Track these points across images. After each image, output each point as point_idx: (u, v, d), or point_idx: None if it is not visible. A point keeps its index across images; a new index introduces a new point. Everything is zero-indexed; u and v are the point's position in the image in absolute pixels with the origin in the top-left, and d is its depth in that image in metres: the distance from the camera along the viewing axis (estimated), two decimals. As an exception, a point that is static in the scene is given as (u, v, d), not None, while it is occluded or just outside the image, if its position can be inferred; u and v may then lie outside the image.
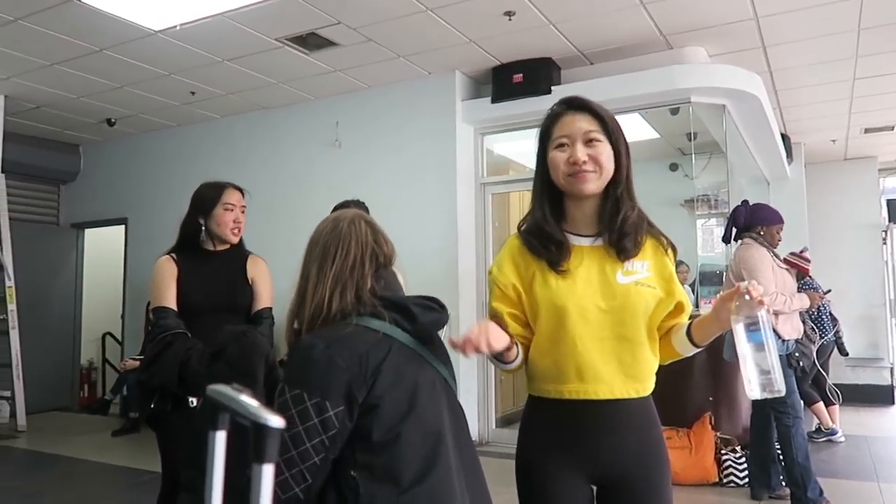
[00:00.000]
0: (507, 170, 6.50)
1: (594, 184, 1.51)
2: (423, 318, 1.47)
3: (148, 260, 2.57)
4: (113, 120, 6.93)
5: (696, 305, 5.20)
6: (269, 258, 2.72)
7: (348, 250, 1.47)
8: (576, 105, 1.55)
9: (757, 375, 1.37)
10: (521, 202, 6.84)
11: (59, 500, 4.42)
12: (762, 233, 4.03)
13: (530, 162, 6.80)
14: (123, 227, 7.61)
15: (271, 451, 1.00)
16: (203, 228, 2.52)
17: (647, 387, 1.54)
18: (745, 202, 4.24)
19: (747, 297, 1.36)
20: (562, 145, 1.53)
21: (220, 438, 1.17)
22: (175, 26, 4.69)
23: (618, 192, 1.53)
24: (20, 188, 7.77)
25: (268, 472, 1.00)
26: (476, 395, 5.68)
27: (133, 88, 6.04)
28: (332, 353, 1.34)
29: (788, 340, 3.87)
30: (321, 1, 4.41)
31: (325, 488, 1.35)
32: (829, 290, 5.60)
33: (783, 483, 4.06)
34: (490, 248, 5.93)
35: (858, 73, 5.81)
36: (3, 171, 6.70)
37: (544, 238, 1.55)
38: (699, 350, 1.58)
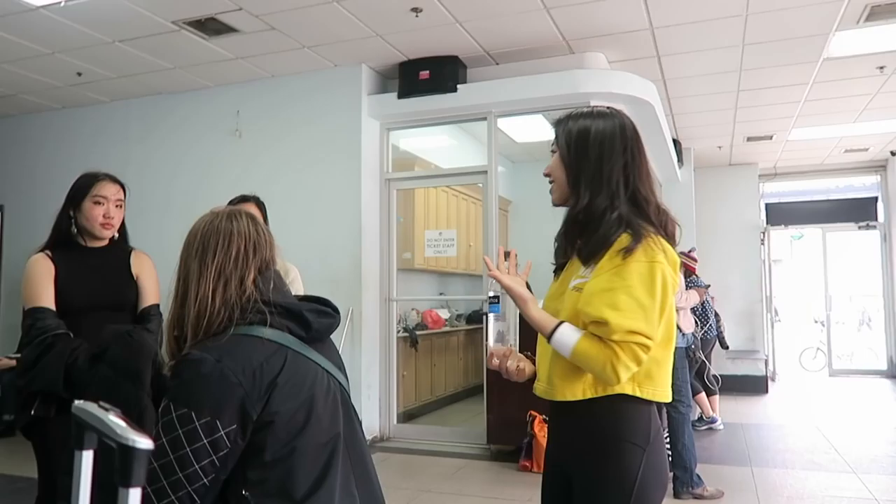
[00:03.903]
0: (413, 165, 6.49)
1: (554, 194, 1.63)
2: (318, 324, 1.42)
3: (26, 250, 2.39)
4: (-12, 99, 6.41)
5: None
6: (163, 254, 2.57)
7: (230, 242, 1.39)
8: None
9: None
10: (426, 198, 6.87)
11: (-80, 512, 4.05)
12: None
13: (436, 158, 6.77)
14: (-1, 214, 7.05)
15: (138, 473, 0.94)
16: (73, 222, 2.37)
17: (578, 391, 1.47)
18: None
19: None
20: None
21: (87, 458, 1.09)
22: (60, 2, 4.38)
23: (572, 198, 1.58)
24: None
25: (134, 497, 0.94)
26: (378, 391, 5.64)
27: (11, 66, 5.60)
28: (224, 367, 1.26)
29: (687, 334, 4.23)
30: (222, -15, 4.25)
31: None
32: (709, 286, 5.99)
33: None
34: (394, 243, 5.91)
35: (742, 85, 6.21)
36: None
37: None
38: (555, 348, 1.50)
